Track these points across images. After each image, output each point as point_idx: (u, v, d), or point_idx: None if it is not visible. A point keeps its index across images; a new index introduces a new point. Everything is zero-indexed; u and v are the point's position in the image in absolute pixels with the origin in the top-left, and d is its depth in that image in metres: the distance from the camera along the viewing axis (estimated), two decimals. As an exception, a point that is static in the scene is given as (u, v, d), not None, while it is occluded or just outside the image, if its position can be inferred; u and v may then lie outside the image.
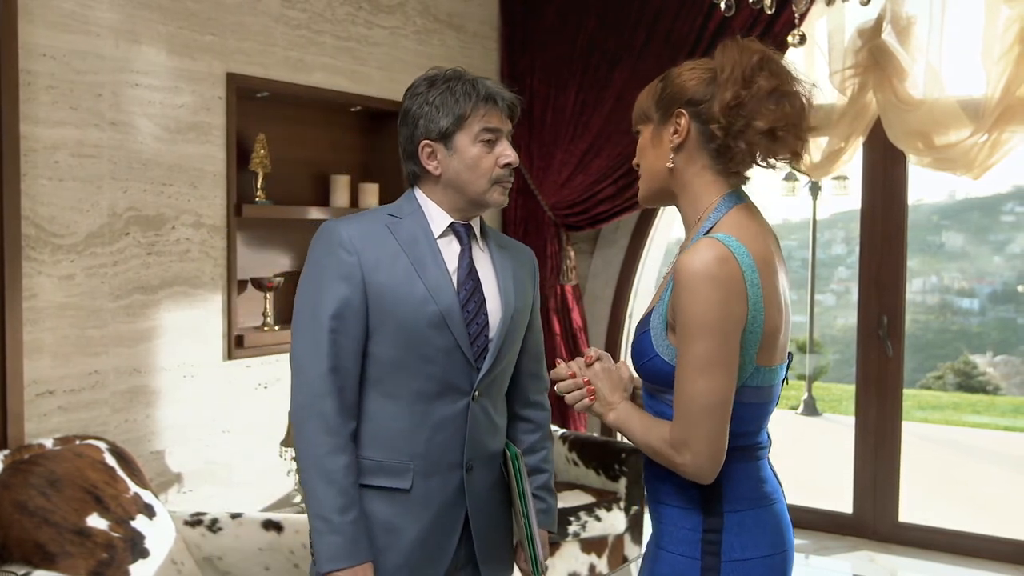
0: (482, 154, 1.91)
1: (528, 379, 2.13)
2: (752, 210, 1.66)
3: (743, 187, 1.70)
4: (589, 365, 1.77)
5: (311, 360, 1.84)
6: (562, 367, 1.77)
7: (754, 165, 1.68)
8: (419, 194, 1.97)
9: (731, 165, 1.65)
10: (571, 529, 3.58)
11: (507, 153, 1.92)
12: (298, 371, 1.87)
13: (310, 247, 1.92)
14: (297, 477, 3.44)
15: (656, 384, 1.64)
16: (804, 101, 1.63)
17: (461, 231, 1.97)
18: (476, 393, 1.94)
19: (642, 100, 1.73)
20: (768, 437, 1.71)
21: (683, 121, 1.64)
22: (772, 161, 1.66)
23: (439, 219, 1.95)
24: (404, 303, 1.86)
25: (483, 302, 1.94)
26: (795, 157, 1.65)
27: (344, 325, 1.85)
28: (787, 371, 1.70)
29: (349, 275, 1.85)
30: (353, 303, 1.85)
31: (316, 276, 1.88)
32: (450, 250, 1.95)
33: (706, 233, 1.60)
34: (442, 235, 1.95)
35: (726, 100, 1.59)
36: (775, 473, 1.72)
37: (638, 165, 1.75)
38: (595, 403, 1.73)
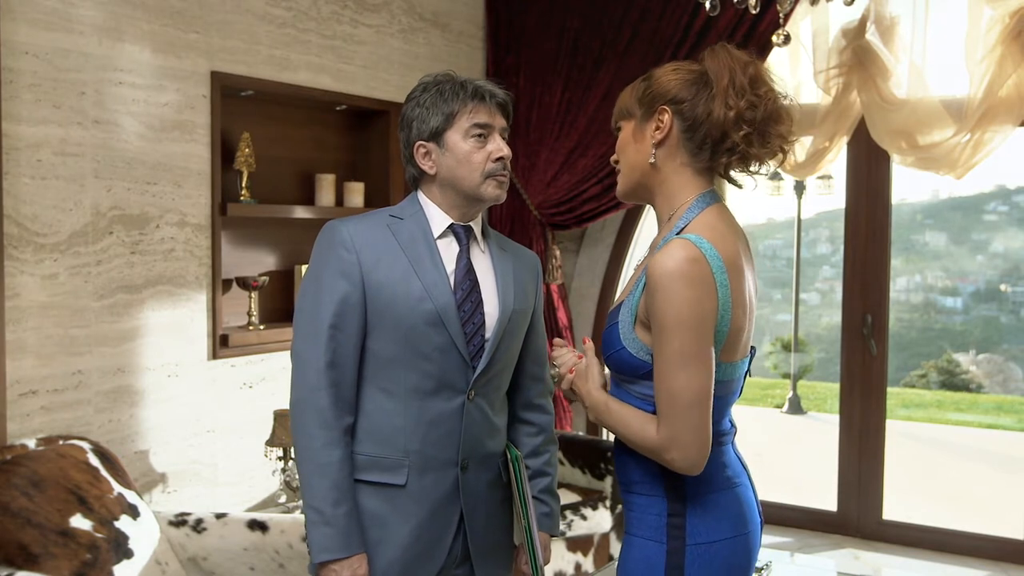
0: (474, 149, 1.94)
1: (530, 381, 2.14)
2: (723, 210, 1.71)
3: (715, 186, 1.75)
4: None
5: (309, 355, 1.89)
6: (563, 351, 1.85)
7: (741, 170, 1.72)
8: (421, 196, 2.02)
9: (717, 167, 1.71)
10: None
11: (500, 147, 1.96)
12: (297, 365, 1.92)
13: (314, 246, 1.97)
14: (282, 476, 3.44)
15: (622, 374, 1.70)
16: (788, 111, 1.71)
17: (460, 232, 2.00)
18: (472, 392, 1.96)
19: (624, 98, 1.78)
20: (731, 424, 1.78)
21: (666, 117, 1.69)
22: (760, 167, 1.72)
23: (439, 220, 1.99)
24: (401, 301, 1.90)
25: (480, 302, 1.97)
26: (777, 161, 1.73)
27: (342, 321, 1.89)
28: (750, 364, 1.78)
29: (348, 272, 1.89)
30: (351, 300, 1.89)
31: (317, 273, 1.93)
32: (449, 251, 1.99)
33: (678, 233, 1.64)
34: (441, 236, 1.99)
35: (740, 108, 1.62)
36: (739, 457, 1.79)
37: (617, 161, 1.80)
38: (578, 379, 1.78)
